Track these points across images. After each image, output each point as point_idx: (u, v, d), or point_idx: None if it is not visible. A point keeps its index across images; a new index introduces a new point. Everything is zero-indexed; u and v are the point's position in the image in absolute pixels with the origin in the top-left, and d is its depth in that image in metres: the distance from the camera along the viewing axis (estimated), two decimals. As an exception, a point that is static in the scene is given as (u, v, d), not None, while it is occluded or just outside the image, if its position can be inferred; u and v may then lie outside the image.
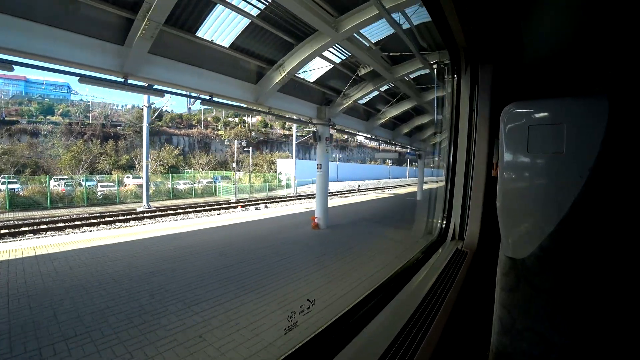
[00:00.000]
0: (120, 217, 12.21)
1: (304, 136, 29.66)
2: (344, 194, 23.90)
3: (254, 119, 39.62)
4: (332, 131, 10.42)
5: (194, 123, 38.51)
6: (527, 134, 0.79)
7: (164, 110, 37.59)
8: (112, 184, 20.87)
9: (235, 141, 31.57)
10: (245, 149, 30.58)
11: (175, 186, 23.88)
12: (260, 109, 8.52)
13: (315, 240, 7.87)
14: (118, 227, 10.37)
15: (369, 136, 13.59)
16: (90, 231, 9.58)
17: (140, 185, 18.40)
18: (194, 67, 6.38)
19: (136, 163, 27.72)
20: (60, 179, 20.80)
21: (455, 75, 1.77)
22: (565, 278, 0.76)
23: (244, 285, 4.28)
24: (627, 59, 1.41)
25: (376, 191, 24.85)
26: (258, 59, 7.22)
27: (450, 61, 1.75)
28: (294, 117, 10.57)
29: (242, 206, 15.46)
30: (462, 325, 1.21)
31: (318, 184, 9.81)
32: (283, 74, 7.27)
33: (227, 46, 6.55)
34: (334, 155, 43.66)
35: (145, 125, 15.73)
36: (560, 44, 1.63)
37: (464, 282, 1.30)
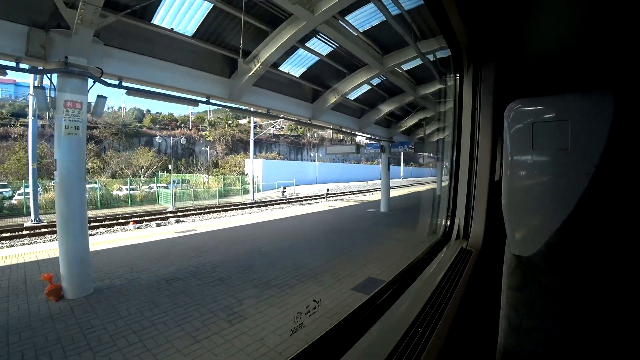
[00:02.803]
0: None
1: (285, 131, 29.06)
2: (300, 200, 21.41)
3: (244, 120, 39.54)
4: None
5: (178, 124, 38.24)
6: (532, 131, 0.83)
7: (139, 109, 37.35)
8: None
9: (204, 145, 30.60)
10: (232, 149, 30.28)
11: (116, 192, 22.11)
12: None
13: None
14: None
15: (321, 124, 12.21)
16: None
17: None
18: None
19: (108, 167, 26.87)
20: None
21: (458, 74, 1.84)
22: (572, 276, 0.79)
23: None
24: (632, 55, 1.50)
25: (344, 197, 23.65)
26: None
27: (452, 59, 1.82)
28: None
29: (134, 222, 12.19)
30: (468, 324, 1.25)
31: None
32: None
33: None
34: (312, 155, 43.40)
35: (30, 118, 12.16)
36: (563, 41, 1.69)
37: (470, 281, 1.34)
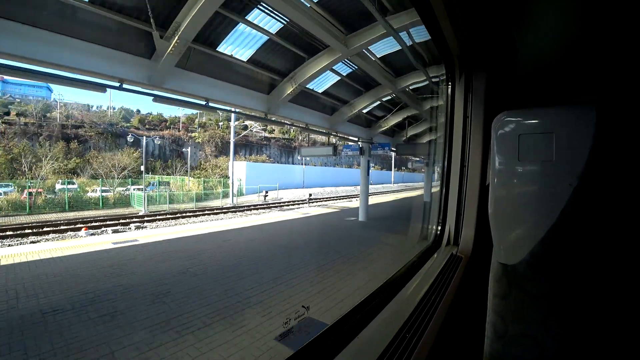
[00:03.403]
0: None
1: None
2: (281, 206, 20.67)
3: (237, 122, 39.47)
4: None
5: (167, 124, 37.90)
6: (518, 142, 0.85)
7: (127, 109, 36.85)
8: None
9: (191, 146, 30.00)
10: (221, 151, 29.97)
11: (91, 194, 21.18)
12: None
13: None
14: None
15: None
16: None
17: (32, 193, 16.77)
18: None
19: (89, 167, 26.11)
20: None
21: (450, 83, 1.89)
22: (556, 283, 0.81)
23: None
24: (615, 69, 1.57)
25: (328, 202, 22.86)
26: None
27: (445, 69, 1.87)
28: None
29: (87, 228, 11.33)
30: (456, 330, 1.27)
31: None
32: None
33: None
34: (299, 158, 42.42)
35: None
36: (552, 54, 1.76)
37: (459, 287, 1.37)
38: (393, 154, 14.90)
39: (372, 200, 23.09)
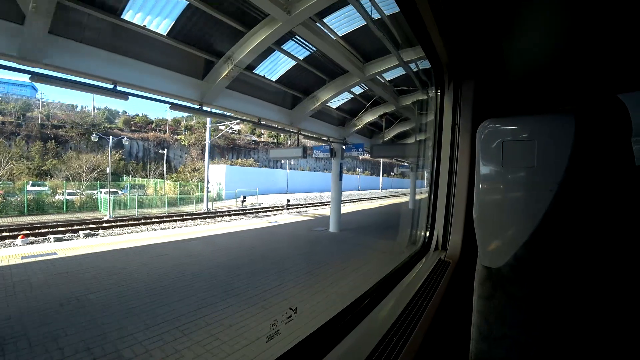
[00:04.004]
0: None
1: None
2: (257, 212, 19.90)
3: (223, 125, 39.15)
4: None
5: (153, 126, 37.38)
6: (502, 149, 0.89)
7: (111, 110, 36.18)
8: None
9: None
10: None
11: (59, 197, 20.21)
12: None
13: None
14: None
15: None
16: None
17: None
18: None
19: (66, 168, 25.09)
20: None
21: (439, 90, 1.94)
22: (538, 286, 0.84)
23: None
24: (594, 79, 1.66)
25: (306, 208, 22.26)
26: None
27: (434, 76, 1.92)
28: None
29: (24, 236, 10.30)
30: (442, 333, 1.29)
31: None
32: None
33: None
34: (292, 163, 42.03)
35: None
36: (538, 63, 1.83)
37: (446, 291, 1.40)
38: (357, 153, 12.42)
39: (354, 207, 22.71)
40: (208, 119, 24.71)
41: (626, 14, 1.38)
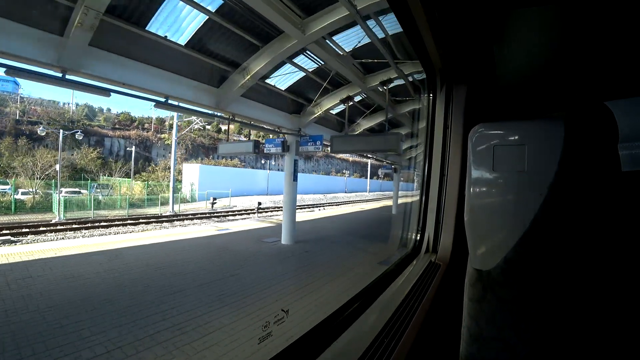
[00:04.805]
0: None
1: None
2: (225, 215, 18.67)
3: (209, 126, 38.68)
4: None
5: (136, 124, 36.69)
6: (493, 153, 0.91)
7: (90, 106, 35.31)
8: None
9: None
10: (192, 154, 28.93)
11: (22, 196, 19.12)
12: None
13: None
14: None
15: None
16: None
17: None
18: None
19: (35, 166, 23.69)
20: None
21: (431, 94, 1.99)
22: (528, 288, 0.87)
23: None
24: (583, 85, 1.73)
25: (280, 212, 20.05)
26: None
27: (427, 80, 1.97)
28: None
29: None
30: (433, 334, 1.31)
31: None
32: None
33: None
34: (280, 164, 41.19)
35: None
36: (528, 70, 1.90)
37: (436, 293, 1.42)
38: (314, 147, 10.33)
39: (331, 211, 21.67)
40: (175, 116, 23.68)
41: (613, 24, 1.45)
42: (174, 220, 15.95)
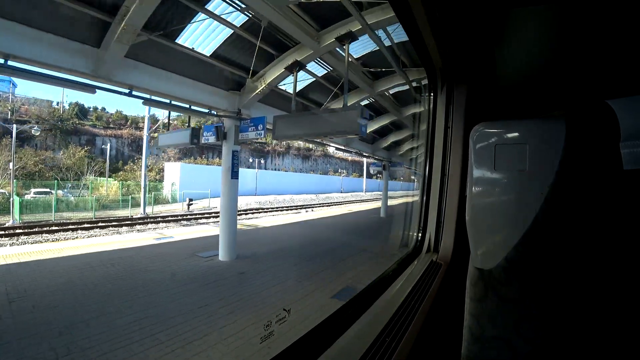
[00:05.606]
0: None
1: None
2: (198, 218, 17.11)
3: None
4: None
5: (128, 123, 36.50)
6: (494, 152, 0.93)
7: (82, 105, 34.92)
8: None
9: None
10: (185, 154, 28.66)
11: None
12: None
13: None
14: None
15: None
16: None
17: None
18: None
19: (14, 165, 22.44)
20: None
21: (432, 94, 2.02)
22: (529, 288, 0.88)
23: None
24: (584, 85, 1.77)
25: (266, 213, 20.51)
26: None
27: (428, 80, 1.99)
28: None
29: None
30: (434, 334, 1.33)
31: None
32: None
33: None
34: (250, 161, 40.75)
35: None
36: (530, 69, 1.93)
37: (438, 293, 1.44)
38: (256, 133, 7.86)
39: (319, 213, 20.29)
40: (147, 109, 22.21)
41: (613, 22, 1.48)
42: (135, 225, 14.16)
